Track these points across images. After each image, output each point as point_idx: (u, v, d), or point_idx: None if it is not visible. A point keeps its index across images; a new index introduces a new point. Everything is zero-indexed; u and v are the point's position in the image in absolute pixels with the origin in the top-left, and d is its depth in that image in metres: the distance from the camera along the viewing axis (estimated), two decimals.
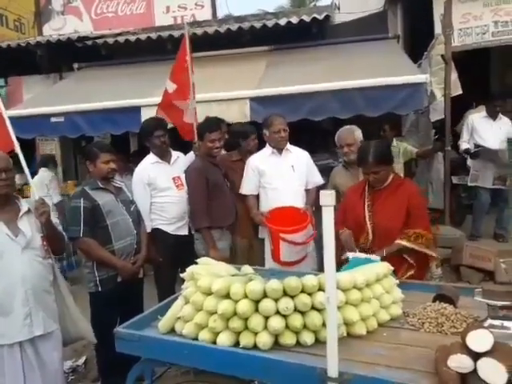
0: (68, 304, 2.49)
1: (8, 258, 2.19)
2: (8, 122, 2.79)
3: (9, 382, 2.21)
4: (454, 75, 4.67)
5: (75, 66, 6.76)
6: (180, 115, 3.92)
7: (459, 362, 1.40)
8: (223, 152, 3.82)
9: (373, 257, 2.32)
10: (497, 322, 1.73)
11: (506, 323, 1.72)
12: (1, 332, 2.19)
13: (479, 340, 1.40)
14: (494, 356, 1.36)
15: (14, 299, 2.20)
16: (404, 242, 2.47)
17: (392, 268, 2.11)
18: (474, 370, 1.39)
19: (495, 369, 1.34)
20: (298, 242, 3.13)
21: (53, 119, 4.81)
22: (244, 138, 3.73)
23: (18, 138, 5.07)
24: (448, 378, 1.40)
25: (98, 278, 2.85)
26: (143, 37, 6.45)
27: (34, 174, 7.20)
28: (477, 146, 4.87)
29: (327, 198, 1.40)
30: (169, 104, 3.92)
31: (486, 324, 1.71)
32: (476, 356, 1.39)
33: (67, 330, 2.47)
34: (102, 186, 2.91)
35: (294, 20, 5.99)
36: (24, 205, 2.35)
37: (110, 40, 6.58)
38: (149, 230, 3.25)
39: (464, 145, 5.04)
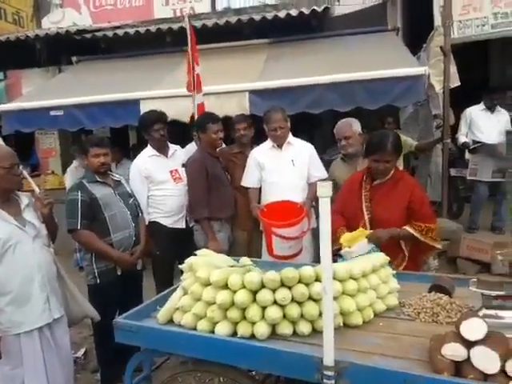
0: (69, 287, 2.59)
1: (22, 247, 2.27)
2: None
3: (28, 369, 2.27)
4: (453, 67, 4.66)
5: (74, 59, 6.73)
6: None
7: (453, 351, 1.43)
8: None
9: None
10: (491, 312, 1.75)
11: (500, 313, 1.74)
12: (18, 321, 2.25)
13: (473, 329, 1.43)
14: (487, 344, 1.39)
15: (32, 286, 2.29)
16: (415, 233, 2.48)
17: (388, 258, 2.12)
18: (468, 358, 1.41)
19: (488, 357, 1.37)
20: (288, 237, 3.12)
21: (52, 112, 4.81)
22: (232, 128, 3.71)
23: (17, 132, 5.10)
24: (442, 366, 1.42)
25: (96, 271, 2.88)
26: (142, 30, 6.41)
27: (34, 166, 7.21)
28: (475, 142, 4.88)
29: (324, 189, 1.41)
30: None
31: (480, 314, 1.73)
32: (470, 344, 1.42)
33: (70, 311, 2.56)
34: (99, 179, 2.93)
35: (294, 12, 5.96)
36: (23, 198, 2.42)
37: (109, 33, 6.54)
38: (146, 223, 3.27)
39: (462, 138, 5.05)
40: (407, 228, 2.48)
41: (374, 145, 2.61)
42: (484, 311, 1.77)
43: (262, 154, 3.49)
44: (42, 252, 2.36)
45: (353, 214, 2.61)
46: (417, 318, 1.88)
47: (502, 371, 1.36)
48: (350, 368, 1.46)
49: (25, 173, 2.65)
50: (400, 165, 4.60)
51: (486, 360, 1.36)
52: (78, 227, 2.78)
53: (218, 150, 3.62)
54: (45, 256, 2.38)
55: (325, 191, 1.41)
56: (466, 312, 1.81)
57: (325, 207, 1.42)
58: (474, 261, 4.31)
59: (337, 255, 2.46)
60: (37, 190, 2.57)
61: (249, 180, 3.53)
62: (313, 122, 6.13)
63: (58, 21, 8.40)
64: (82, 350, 3.48)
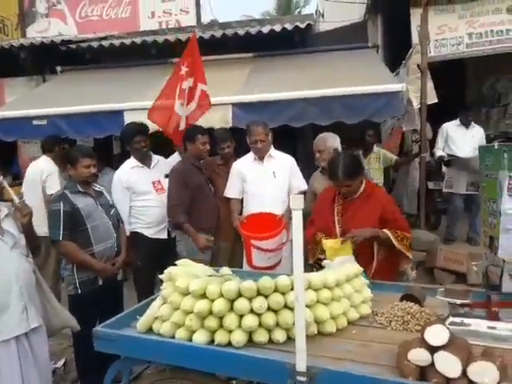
0: (48, 297, 2.57)
1: None
2: None
3: (5, 379, 2.25)
4: (430, 84, 4.84)
5: (59, 69, 6.73)
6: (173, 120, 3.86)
7: (418, 356, 1.50)
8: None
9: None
10: (457, 319, 1.84)
11: (466, 320, 1.83)
12: None
13: (436, 334, 1.50)
14: (449, 349, 1.46)
15: (10, 296, 2.27)
16: (392, 237, 2.54)
17: (362, 269, 2.20)
18: (432, 363, 1.48)
19: (450, 361, 1.44)
20: (267, 249, 3.18)
21: (35, 122, 4.79)
22: (216, 144, 3.78)
23: None
24: (408, 371, 1.50)
25: (77, 281, 2.89)
26: (128, 41, 6.48)
27: (16, 175, 7.11)
28: (449, 155, 5.05)
29: (296, 201, 1.49)
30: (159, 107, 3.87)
31: (447, 321, 1.82)
32: (433, 350, 1.49)
33: (49, 322, 2.54)
34: (81, 189, 2.95)
35: (277, 28, 6.11)
36: (3, 207, 2.41)
37: (95, 44, 6.58)
38: (127, 234, 3.30)
39: (439, 152, 5.22)
40: (386, 231, 2.55)
41: (329, 173, 2.70)
42: (451, 319, 1.86)
43: (244, 166, 3.56)
44: (20, 261, 2.35)
45: (325, 226, 2.68)
46: (388, 325, 1.96)
47: (464, 375, 1.43)
48: (321, 373, 1.52)
49: (4, 182, 2.66)
50: (381, 177, 4.76)
51: (449, 364, 1.44)
52: (60, 238, 2.79)
53: (202, 160, 3.68)
54: (23, 265, 2.37)
55: (297, 203, 1.49)
56: (433, 319, 1.90)
57: (297, 219, 1.49)
58: (450, 271, 4.43)
59: (318, 264, 2.53)
60: (16, 199, 2.53)
61: (231, 191, 3.59)
62: (295, 136, 6.24)
63: (44, 30, 8.41)
64: (62, 361, 3.46)
